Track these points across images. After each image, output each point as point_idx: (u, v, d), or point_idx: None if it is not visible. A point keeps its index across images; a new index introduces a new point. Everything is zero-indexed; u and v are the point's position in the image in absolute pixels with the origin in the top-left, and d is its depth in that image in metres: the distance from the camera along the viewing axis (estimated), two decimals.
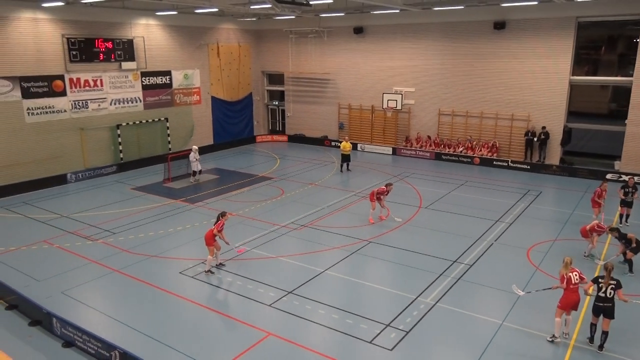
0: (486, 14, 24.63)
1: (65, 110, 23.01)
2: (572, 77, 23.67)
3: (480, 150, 26.14)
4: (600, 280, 9.64)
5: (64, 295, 12.09)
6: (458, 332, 10.46)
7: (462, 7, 23.54)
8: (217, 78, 30.37)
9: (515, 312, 11.13)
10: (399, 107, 27.41)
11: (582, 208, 18.50)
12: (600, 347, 9.64)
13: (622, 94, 22.93)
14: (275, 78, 34.04)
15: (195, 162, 22.36)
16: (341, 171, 24.44)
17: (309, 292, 12.15)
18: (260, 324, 10.73)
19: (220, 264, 13.62)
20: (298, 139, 32.64)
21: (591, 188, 18.97)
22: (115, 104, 25.07)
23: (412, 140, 28.62)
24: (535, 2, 21.35)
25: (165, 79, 27.35)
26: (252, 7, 21.49)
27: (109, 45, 24.25)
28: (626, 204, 16.61)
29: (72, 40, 22.78)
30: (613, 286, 9.50)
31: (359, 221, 17.26)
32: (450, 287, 12.36)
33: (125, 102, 25.54)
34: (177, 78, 27.98)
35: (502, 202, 19.36)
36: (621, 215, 16.93)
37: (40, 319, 10.72)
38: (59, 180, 22.37)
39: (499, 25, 24.40)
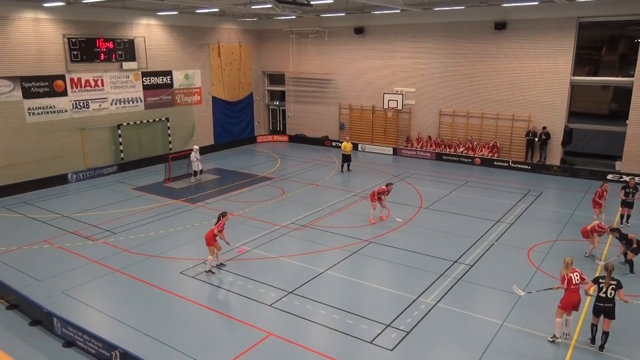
0: (487, 14, 24.63)
1: (66, 110, 23.03)
2: (573, 78, 23.66)
3: (481, 151, 26.13)
4: (600, 280, 9.63)
5: (65, 295, 12.10)
6: (459, 333, 10.46)
7: (463, 7, 23.54)
8: (218, 78, 30.39)
9: (515, 312, 11.13)
10: (399, 107, 27.41)
11: (582, 208, 18.49)
12: (601, 347, 9.64)
13: (623, 95, 22.91)
14: (276, 78, 34.05)
15: (196, 162, 22.37)
16: (342, 171, 24.44)
17: (309, 292, 12.15)
18: (261, 324, 10.73)
19: (221, 264, 13.62)
20: (299, 139, 32.64)
21: (592, 188, 18.96)
22: (116, 104, 25.09)
23: (412, 140, 28.61)
24: (536, 3, 21.36)
25: (166, 79, 27.36)
26: (253, 7, 21.50)
27: (110, 45, 24.26)
28: (627, 204, 16.59)
29: (73, 40, 22.79)
30: (614, 286, 9.49)
31: (360, 221, 17.26)
32: (451, 288, 12.35)
33: (126, 102, 25.56)
34: (178, 78, 27.99)
35: (502, 203, 19.35)
36: (622, 216, 16.92)
37: (40, 318, 10.73)
38: (60, 180, 22.38)
39: (500, 26, 24.39)
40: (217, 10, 23.67)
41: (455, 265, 13.64)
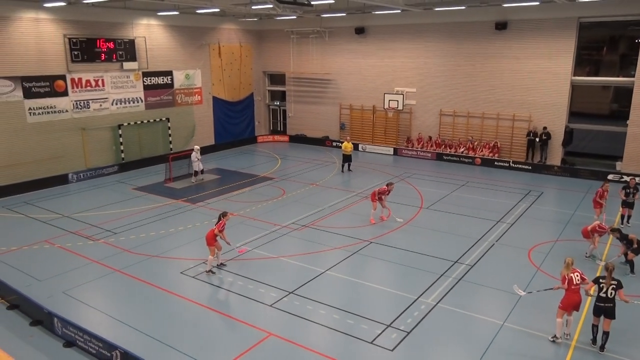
0: (488, 15, 24.62)
1: (66, 110, 23.04)
2: (573, 78, 23.65)
3: (482, 151, 26.12)
4: (601, 280, 9.63)
5: (65, 295, 12.11)
6: (459, 333, 10.45)
7: (464, 7, 23.53)
8: (219, 78, 30.40)
9: (516, 312, 11.12)
10: (400, 107, 27.40)
11: (583, 209, 18.48)
12: (602, 347, 9.63)
13: (624, 95, 22.90)
14: (277, 78, 34.05)
15: (197, 162, 22.38)
16: (342, 171, 24.44)
17: (309, 292, 12.15)
18: (261, 324, 10.73)
19: (222, 264, 13.62)
20: (299, 139, 32.64)
21: (592, 189, 18.94)
22: (116, 104, 25.10)
23: (413, 140, 28.61)
24: (537, 3, 21.34)
25: (167, 79, 27.37)
26: (253, 7, 21.49)
27: (111, 45, 24.27)
28: (627, 204, 16.58)
29: (74, 40, 22.81)
30: (614, 286, 9.49)
31: (360, 221, 17.26)
32: (452, 288, 12.35)
33: (127, 102, 25.57)
34: (179, 78, 28.00)
35: (503, 203, 19.35)
36: (622, 216, 16.91)
37: (41, 318, 10.74)
38: (61, 180, 22.40)
39: (501, 26, 24.38)
40: (217, 10, 23.68)
41: (455, 266, 13.63)
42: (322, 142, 31.43)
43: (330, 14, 27.59)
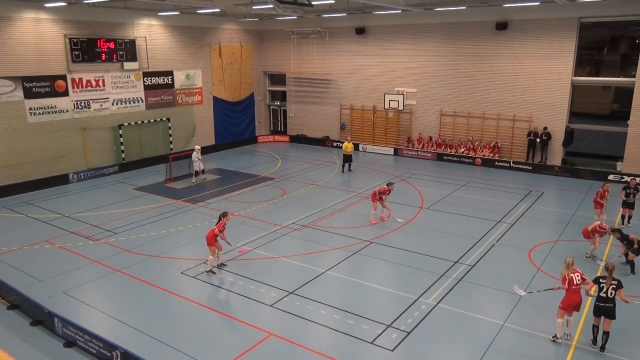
0: (488, 15, 24.62)
1: (67, 110, 23.06)
2: (574, 78, 23.64)
3: (482, 151, 26.11)
4: (601, 280, 9.62)
5: (66, 295, 12.11)
6: (459, 333, 10.45)
7: (464, 7, 23.52)
8: (219, 78, 30.40)
9: (516, 313, 11.12)
10: (400, 107, 27.39)
11: (584, 209, 18.47)
12: (602, 347, 9.63)
13: (625, 95, 22.89)
14: (277, 78, 34.06)
15: (198, 162, 22.39)
16: (343, 172, 24.43)
17: (310, 292, 12.15)
18: (262, 324, 10.73)
19: (222, 264, 13.62)
20: (300, 140, 32.65)
21: (593, 189, 18.93)
22: (117, 104, 25.11)
23: (413, 140, 28.61)
24: (538, 3, 21.34)
25: (167, 79, 27.39)
26: (254, 7, 21.52)
27: (111, 45, 24.29)
28: (628, 205, 16.57)
29: (75, 40, 22.82)
30: (614, 286, 9.49)
31: (361, 222, 17.25)
32: (452, 288, 12.34)
33: (127, 102, 25.58)
34: (179, 78, 28.01)
35: (503, 203, 19.34)
36: (623, 217, 16.89)
37: (41, 318, 10.74)
38: (61, 180, 22.41)
39: (501, 26, 24.38)
40: (218, 10, 23.69)
41: (456, 266, 13.63)
42: (323, 142, 31.44)
43: (330, 14, 27.60)
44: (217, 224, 13.21)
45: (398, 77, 28.33)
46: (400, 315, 11.05)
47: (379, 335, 10.25)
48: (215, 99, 30.41)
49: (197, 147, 22.71)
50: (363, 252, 14.62)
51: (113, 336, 9.80)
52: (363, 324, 10.70)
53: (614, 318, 9.51)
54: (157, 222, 17.37)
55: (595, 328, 9.81)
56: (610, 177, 22.20)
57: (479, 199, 20.02)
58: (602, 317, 9.60)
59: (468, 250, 14.68)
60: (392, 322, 10.74)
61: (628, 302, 9.73)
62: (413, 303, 11.58)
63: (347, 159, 24.24)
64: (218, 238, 13.10)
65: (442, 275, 13.02)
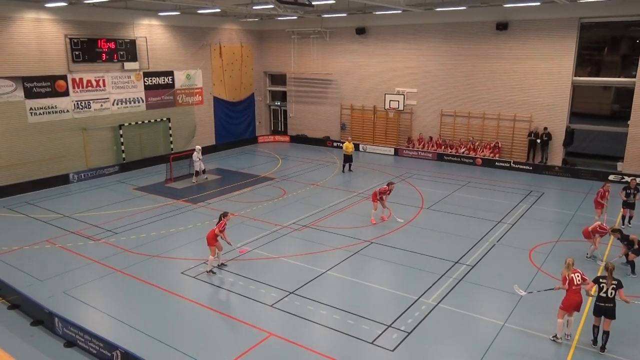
0: (488, 15, 24.61)
1: (67, 111, 23.07)
2: (574, 78, 23.63)
3: (483, 151, 26.10)
4: (601, 280, 9.62)
5: (66, 295, 12.12)
6: (460, 333, 10.45)
7: (464, 7, 23.51)
8: (220, 78, 30.41)
9: (517, 313, 11.12)
10: (401, 107, 27.41)
11: (584, 209, 18.47)
12: (602, 348, 9.63)
13: (625, 95, 22.88)
14: (278, 78, 34.06)
15: (199, 162, 22.39)
16: (343, 172, 24.43)
17: (310, 292, 12.15)
18: (262, 324, 10.73)
19: (222, 264, 13.63)
20: (300, 140, 32.65)
21: (593, 189, 18.93)
22: (117, 104, 25.12)
23: (414, 141, 28.60)
24: (538, 3, 21.33)
25: (168, 80, 27.40)
26: (254, 7, 21.52)
27: (112, 45, 24.30)
28: (628, 205, 16.56)
29: (75, 40, 22.84)
30: (614, 286, 9.49)
31: (361, 222, 17.25)
32: (452, 288, 12.34)
33: (128, 103, 25.59)
34: (180, 78, 28.02)
35: (504, 203, 19.33)
36: (623, 217, 16.88)
37: (42, 318, 10.74)
38: (62, 180, 22.41)
39: (502, 26, 24.37)
40: (218, 10, 23.69)
41: (456, 266, 13.63)
42: (323, 142, 31.44)
43: (331, 14, 27.59)
44: (217, 224, 13.21)
45: (398, 77, 28.33)
46: (401, 315, 11.05)
47: (379, 336, 10.25)
48: (216, 99, 30.42)
49: (198, 147, 22.71)
50: (363, 252, 14.62)
51: (113, 336, 9.81)
52: (363, 324, 10.70)
53: (614, 318, 9.51)
54: (158, 222, 17.38)
55: (595, 328, 9.81)
56: (611, 177, 22.19)
57: (479, 199, 20.01)
58: (602, 317, 9.59)
59: (468, 251, 14.68)
60: (393, 322, 10.74)
61: (628, 302, 9.73)
62: (413, 303, 11.57)
63: (348, 159, 24.24)
64: (218, 238, 13.10)
65: (442, 276, 13.02)
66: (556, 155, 24.56)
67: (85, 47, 23.23)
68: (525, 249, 14.77)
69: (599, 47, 24.12)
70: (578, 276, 9.80)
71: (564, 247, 14.90)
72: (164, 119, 27.30)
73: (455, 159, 26.52)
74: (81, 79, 23.41)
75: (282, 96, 34.08)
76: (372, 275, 13.35)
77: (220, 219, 13.25)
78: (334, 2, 21.95)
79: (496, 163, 25.32)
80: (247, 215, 17.95)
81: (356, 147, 28.51)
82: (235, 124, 32.02)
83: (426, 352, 9.85)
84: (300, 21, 30.21)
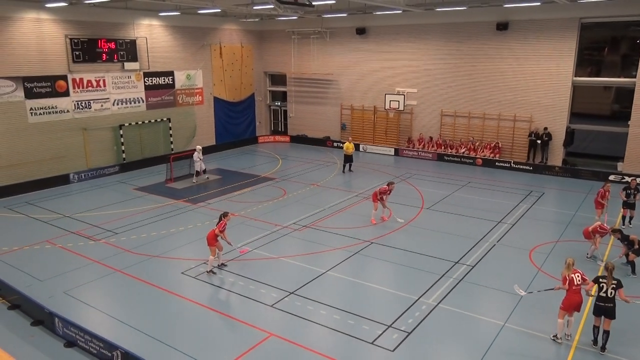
0: (489, 15, 24.61)
1: (68, 111, 23.08)
2: (575, 78, 23.63)
3: (483, 151, 26.10)
4: (601, 280, 9.62)
5: (66, 295, 12.12)
6: (460, 333, 10.45)
7: (465, 8, 23.50)
8: (220, 79, 30.42)
9: (517, 313, 11.11)
10: (401, 107, 27.41)
11: (584, 209, 18.46)
12: (603, 347, 9.63)
13: (625, 95, 22.88)
14: (278, 79, 34.07)
15: (199, 162, 22.40)
16: (343, 172, 24.43)
17: (310, 292, 12.15)
18: (262, 324, 10.73)
19: (222, 264, 13.63)
20: (300, 140, 32.65)
21: (594, 189, 18.92)
22: (117, 104, 25.13)
23: (414, 141, 28.60)
24: (538, 3, 21.33)
25: (168, 80, 27.40)
26: (254, 7, 21.51)
27: (112, 45, 24.32)
28: (628, 205, 16.55)
29: (75, 40, 22.85)
30: (614, 286, 9.48)
31: (361, 222, 17.25)
32: (453, 288, 12.34)
33: (128, 103, 25.60)
34: (180, 78, 28.03)
35: (504, 203, 19.33)
36: (624, 217, 16.87)
37: (42, 318, 10.75)
38: (62, 180, 22.42)
39: (502, 26, 24.37)
40: (219, 10, 23.70)
41: (456, 266, 13.63)
42: (323, 142, 31.44)
43: (331, 14, 27.59)
44: (217, 224, 13.21)
45: (398, 77, 28.34)
46: (401, 315, 11.05)
47: (379, 336, 10.25)
48: (216, 99, 30.42)
49: (199, 147, 22.72)
50: (364, 253, 14.62)
51: (114, 336, 9.81)
52: (363, 324, 10.70)
53: (614, 318, 9.51)
54: (158, 222, 17.38)
55: (595, 329, 9.81)
56: (611, 177, 22.19)
57: (479, 199, 20.01)
58: (602, 317, 9.59)
59: (469, 251, 14.68)
60: (393, 323, 10.74)
61: (628, 302, 9.73)
62: (414, 303, 11.57)
63: (348, 159, 24.23)
64: (219, 238, 13.10)
65: (442, 276, 13.02)
66: (556, 156, 24.56)
67: (86, 47, 23.24)
68: (525, 249, 14.77)
69: (599, 47, 24.12)
70: (578, 276, 9.80)
71: (564, 247, 14.90)
72: (164, 119, 27.31)
73: (456, 159, 26.52)
74: (81, 79, 23.42)
75: (283, 96, 34.09)
76: (373, 275, 13.35)
77: (220, 219, 13.25)
78: (334, 2, 21.95)
79: (496, 163, 25.31)
80: (247, 216, 17.95)
81: (356, 147, 28.51)
82: (235, 124, 32.03)
83: (426, 352, 9.85)
84: (300, 21, 30.21)
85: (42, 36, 21.77)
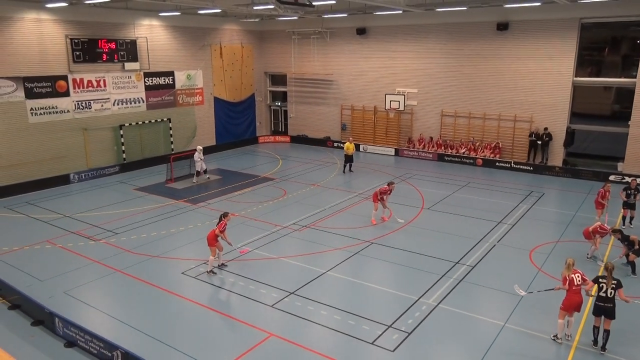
0: (489, 15, 24.61)
1: (68, 111, 23.08)
2: (575, 79, 23.62)
3: (483, 152, 26.10)
4: (601, 280, 9.62)
5: (67, 295, 12.12)
6: (460, 334, 10.44)
7: (465, 8, 23.49)
8: (220, 79, 30.43)
9: (517, 313, 11.11)
10: (401, 108, 27.41)
11: (585, 210, 18.46)
12: (603, 347, 9.63)
13: (626, 96, 22.88)
14: (278, 79, 34.07)
15: (200, 162, 22.41)
16: (344, 172, 24.43)
17: (311, 292, 12.15)
18: (262, 324, 10.74)
19: (223, 264, 13.63)
20: (300, 140, 32.65)
21: (594, 189, 18.93)
22: (118, 104, 25.14)
23: (414, 141, 28.60)
24: (538, 3, 21.33)
25: (168, 80, 27.41)
26: (255, 7, 21.51)
27: (112, 45, 24.33)
28: (629, 205, 16.55)
29: (76, 40, 22.86)
30: (614, 286, 9.48)
31: (362, 222, 17.25)
32: (453, 289, 12.34)
33: (128, 103, 25.61)
34: (180, 79, 28.04)
35: (504, 204, 19.33)
36: (624, 217, 16.86)
37: (42, 318, 10.75)
38: (62, 180, 22.42)
39: (502, 27, 24.37)
40: (219, 11, 23.70)
41: (457, 266, 13.62)
42: (324, 142, 31.44)
43: (331, 14, 27.59)
44: (217, 224, 13.21)
45: (399, 78, 28.34)
46: (401, 315, 11.05)
47: (379, 336, 10.25)
48: (216, 100, 30.43)
49: (199, 147, 22.73)
50: (364, 253, 14.62)
51: (114, 336, 9.81)
52: (364, 324, 10.70)
53: (614, 318, 9.51)
54: (158, 222, 17.38)
55: (595, 329, 9.80)
56: (611, 177, 22.17)
57: (479, 199, 20.01)
58: (602, 317, 9.59)
59: (469, 251, 14.68)
60: (393, 323, 10.74)
61: (628, 302, 9.73)
62: (414, 304, 11.57)
63: (348, 159, 24.23)
64: (219, 238, 13.11)
65: (442, 276, 13.02)
66: (557, 156, 24.55)
67: (86, 47, 23.25)
68: (525, 250, 14.77)
69: (600, 48, 24.12)
70: (578, 277, 9.80)
71: (565, 247, 14.90)
72: (165, 119, 27.31)
73: (456, 159, 26.52)
74: (82, 79, 23.43)
75: (283, 96, 34.09)
76: (373, 275, 13.35)
77: (220, 219, 13.26)
78: (334, 2, 21.96)
79: (497, 163, 25.31)
80: (247, 216, 17.96)
81: (357, 147, 28.50)
82: (235, 124, 32.04)
83: (426, 353, 9.85)
84: (300, 21, 30.22)
85: (42, 36, 21.78)
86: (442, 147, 27.31)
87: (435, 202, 19.58)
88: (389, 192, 17.15)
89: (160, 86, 26.97)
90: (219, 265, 13.53)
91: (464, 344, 10.10)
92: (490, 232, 16.29)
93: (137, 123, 25.93)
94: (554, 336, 10.05)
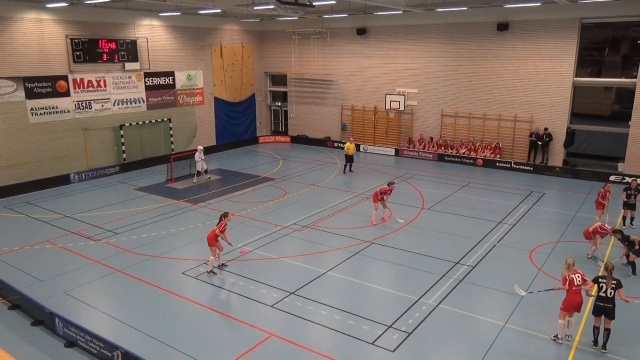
0: (489, 15, 24.61)
1: (68, 111, 23.09)
2: (575, 79, 23.62)
3: (483, 152, 26.09)
4: (600, 280, 9.62)
5: (67, 295, 12.12)
6: (460, 334, 10.44)
7: (465, 8, 23.50)
8: (220, 79, 30.43)
9: (517, 313, 11.11)
10: (401, 108, 27.39)
11: (585, 210, 18.45)
12: (604, 346, 9.63)
13: (626, 96, 22.88)
14: (278, 79, 34.08)
15: (200, 162, 22.42)
16: (344, 172, 24.43)
17: (311, 293, 12.14)
18: (262, 324, 10.74)
19: (223, 264, 13.63)
20: (301, 140, 32.66)
21: (594, 190, 18.93)
22: (118, 104, 25.14)
23: (414, 141, 28.60)
24: (539, 4, 21.32)
25: (169, 80, 27.42)
26: (255, 8, 21.53)
27: (113, 46, 24.33)
28: (629, 206, 16.55)
29: (76, 40, 22.86)
30: (614, 286, 9.48)
31: (362, 222, 17.25)
32: (453, 289, 12.33)
33: (129, 103, 25.61)
34: (180, 79, 28.05)
35: (504, 204, 19.32)
36: (624, 218, 16.86)
37: (42, 318, 10.75)
38: (62, 180, 22.42)
39: (502, 27, 24.37)
40: (219, 11, 23.71)
41: (457, 267, 13.62)
42: (324, 142, 31.44)
43: (331, 14, 27.59)
44: (218, 224, 13.22)
45: (399, 78, 28.34)
46: (401, 316, 11.05)
47: (379, 336, 10.25)
48: (217, 100, 30.43)
49: (200, 147, 22.75)
50: (364, 253, 14.61)
51: (114, 336, 9.81)
52: (364, 324, 10.69)
53: (614, 318, 9.51)
54: (158, 222, 17.38)
55: (595, 329, 9.80)
56: (612, 178, 22.17)
57: (479, 199, 20.01)
58: (602, 317, 9.59)
59: (469, 251, 14.68)
60: (393, 323, 10.74)
61: (628, 302, 9.73)
62: (414, 304, 11.57)
63: (349, 159, 24.24)
64: (219, 238, 13.11)
65: (443, 276, 13.01)
66: (557, 156, 24.55)
67: (86, 47, 23.26)
68: (526, 250, 14.76)
69: (600, 48, 24.12)
70: (578, 277, 9.80)
71: (565, 247, 14.89)
72: (165, 119, 27.32)
73: (456, 159, 26.52)
74: (82, 80, 23.44)
75: (283, 97, 34.09)
76: (373, 275, 13.35)
77: (220, 219, 13.26)
78: (334, 2, 21.97)
79: (497, 164, 25.31)
80: (247, 216, 17.96)
81: (357, 147, 28.49)
82: (236, 125, 32.04)
83: (427, 353, 9.84)
84: (301, 21, 30.22)
85: (42, 36, 21.78)
86: (442, 147, 27.31)
87: (436, 202, 19.58)
88: (389, 192, 17.15)
89: (160, 86, 26.97)
90: (219, 265, 13.53)
91: (464, 344, 10.10)
92: (491, 232, 16.29)
93: (137, 123, 25.93)
94: (554, 336, 10.05)
